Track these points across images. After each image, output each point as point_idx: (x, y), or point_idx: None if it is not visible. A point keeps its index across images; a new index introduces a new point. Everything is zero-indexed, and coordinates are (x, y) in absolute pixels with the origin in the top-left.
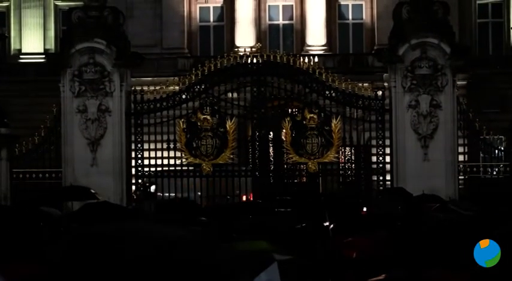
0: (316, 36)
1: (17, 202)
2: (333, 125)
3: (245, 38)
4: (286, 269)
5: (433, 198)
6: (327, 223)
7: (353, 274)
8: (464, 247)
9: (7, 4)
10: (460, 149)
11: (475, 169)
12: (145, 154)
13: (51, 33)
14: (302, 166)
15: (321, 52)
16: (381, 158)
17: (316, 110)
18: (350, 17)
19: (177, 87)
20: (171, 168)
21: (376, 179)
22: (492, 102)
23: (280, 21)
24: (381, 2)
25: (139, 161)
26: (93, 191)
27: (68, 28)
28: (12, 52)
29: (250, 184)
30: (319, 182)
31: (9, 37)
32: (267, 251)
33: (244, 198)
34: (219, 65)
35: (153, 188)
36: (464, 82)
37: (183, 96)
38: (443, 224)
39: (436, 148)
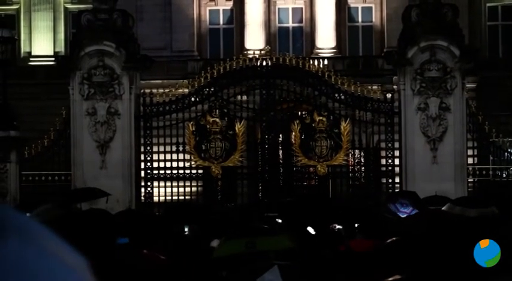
0: (325, 39)
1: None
2: (342, 127)
3: (255, 40)
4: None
5: (443, 200)
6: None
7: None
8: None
9: (17, 7)
10: (469, 152)
11: (484, 172)
12: (155, 157)
13: (61, 36)
14: (311, 169)
15: (331, 55)
16: (390, 161)
17: (326, 113)
18: (360, 20)
19: (186, 90)
20: (180, 171)
21: (385, 181)
22: (502, 105)
23: (290, 24)
24: (391, 5)
25: (149, 164)
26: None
27: (77, 31)
28: (22, 55)
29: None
30: (328, 184)
31: (19, 40)
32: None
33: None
34: (228, 67)
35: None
36: (473, 85)
37: (193, 99)
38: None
39: (445, 151)
